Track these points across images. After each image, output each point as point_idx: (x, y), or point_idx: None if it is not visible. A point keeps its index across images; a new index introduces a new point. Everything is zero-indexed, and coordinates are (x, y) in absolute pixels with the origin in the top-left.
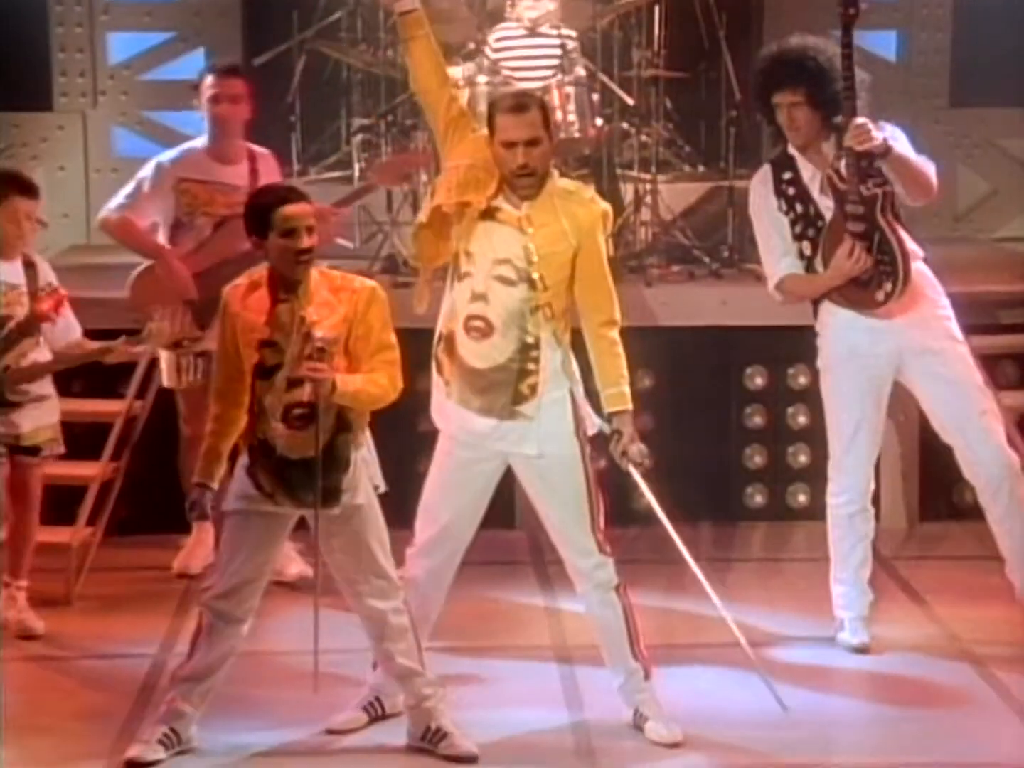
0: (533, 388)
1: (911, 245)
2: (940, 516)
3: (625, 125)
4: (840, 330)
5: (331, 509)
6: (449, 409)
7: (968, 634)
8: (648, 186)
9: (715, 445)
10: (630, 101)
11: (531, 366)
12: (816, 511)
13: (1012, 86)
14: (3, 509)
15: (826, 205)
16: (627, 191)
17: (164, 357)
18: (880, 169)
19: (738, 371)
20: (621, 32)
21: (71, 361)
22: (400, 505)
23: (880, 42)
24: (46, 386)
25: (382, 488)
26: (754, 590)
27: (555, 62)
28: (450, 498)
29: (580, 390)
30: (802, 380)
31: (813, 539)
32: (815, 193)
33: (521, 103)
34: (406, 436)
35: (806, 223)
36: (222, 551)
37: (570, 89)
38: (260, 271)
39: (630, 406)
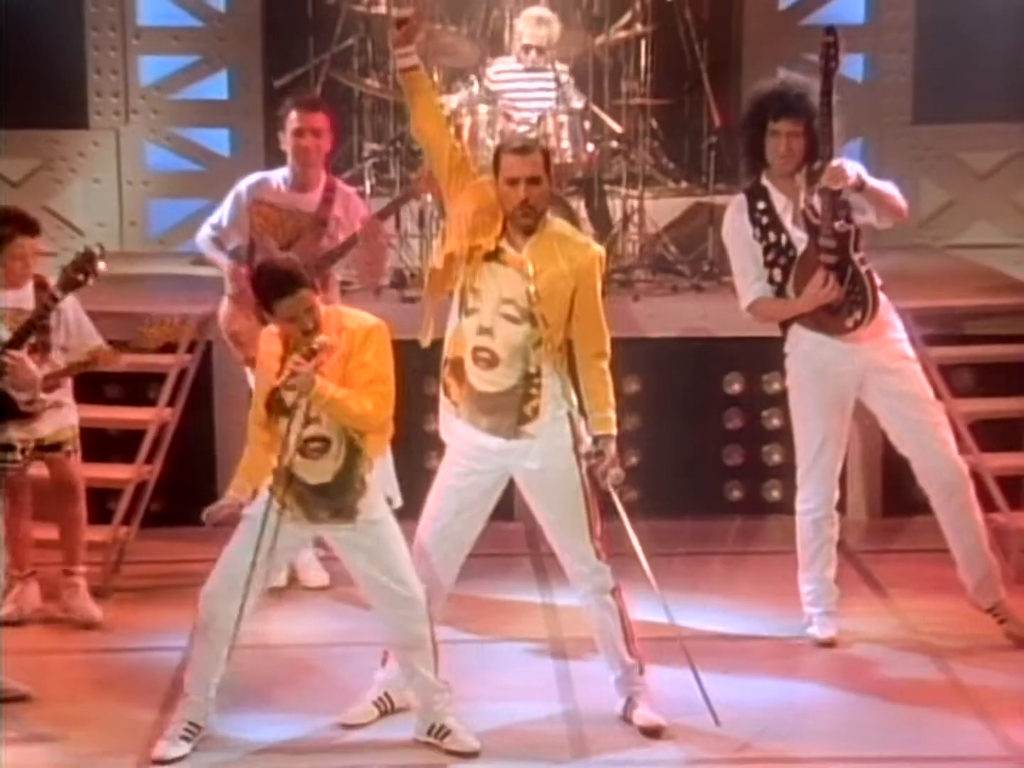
0: (535, 410)
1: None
2: (902, 511)
3: (615, 144)
4: (808, 351)
5: (346, 525)
6: (456, 426)
7: (926, 626)
8: (635, 203)
9: (697, 445)
10: (619, 129)
11: (533, 391)
12: (789, 506)
13: (970, 104)
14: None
15: (797, 236)
16: (615, 207)
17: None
18: (848, 204)
19: (718, 377)
20: (612, 59)
21: (81, 367)
22: (409, 498)
23: (848, 65)
24: (64, 394)
25: (396, 503)
26: (731, 582)
27: (550, 94)
28: (450, 502)
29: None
30: (776, 386)
31: (786, 532)
32: (787, 223)
33: (525, 145)
34: (416, 435)
35: (778, 251)
36: (227, 552)
37: (564, 118)
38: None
39: (614, 431)
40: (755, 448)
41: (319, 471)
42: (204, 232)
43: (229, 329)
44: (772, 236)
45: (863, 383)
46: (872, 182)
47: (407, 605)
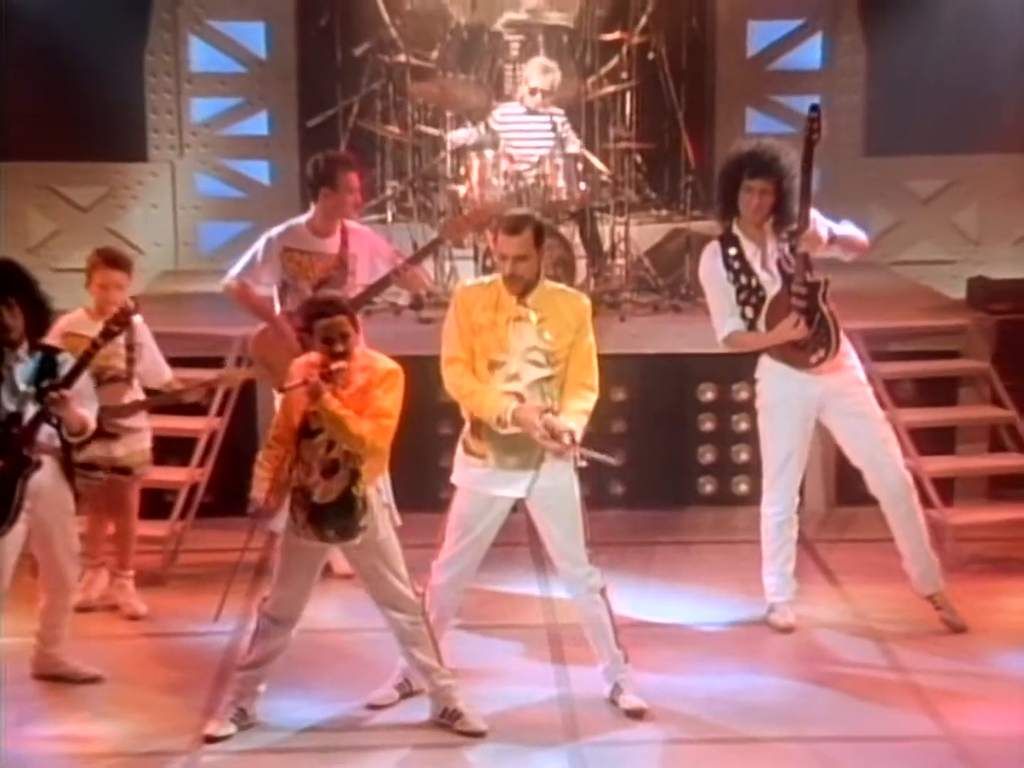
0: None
1: None
2: (854, 501)
3: (605, 176)
4: (776, 379)
5: (351, 542)
6: (473, 477)
7: (873, 612)
8: (621, 230)
9: (675, 445)
10: (606, 172)
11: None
12: (755, 498)
13: (914, 138)
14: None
15: (765, 278)
16: (605, 233)
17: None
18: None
19: (693, 387)
20: (601, 108)
21: (155, 403)
22: (426, 493)
23: (807, 103)
24: (140, 420)
25: (396, 522)
26: (704, 571)
27: (548, 137)
28: (469, 527)
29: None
30: (743, 394)
31: (752, 521)
32: (756, 267)
33: (517, 226)
34: (431, 438)
35: (748, 292)
36: (278, 569)
37: (560, 161)
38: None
39: (577, 429)
40: (725, 448)
41: (328, 489)
42: (230, 276)
43: (263, 358)
44: (743, 279)
45: (823, 406)
46: (840, 231)
47: (407, 609)
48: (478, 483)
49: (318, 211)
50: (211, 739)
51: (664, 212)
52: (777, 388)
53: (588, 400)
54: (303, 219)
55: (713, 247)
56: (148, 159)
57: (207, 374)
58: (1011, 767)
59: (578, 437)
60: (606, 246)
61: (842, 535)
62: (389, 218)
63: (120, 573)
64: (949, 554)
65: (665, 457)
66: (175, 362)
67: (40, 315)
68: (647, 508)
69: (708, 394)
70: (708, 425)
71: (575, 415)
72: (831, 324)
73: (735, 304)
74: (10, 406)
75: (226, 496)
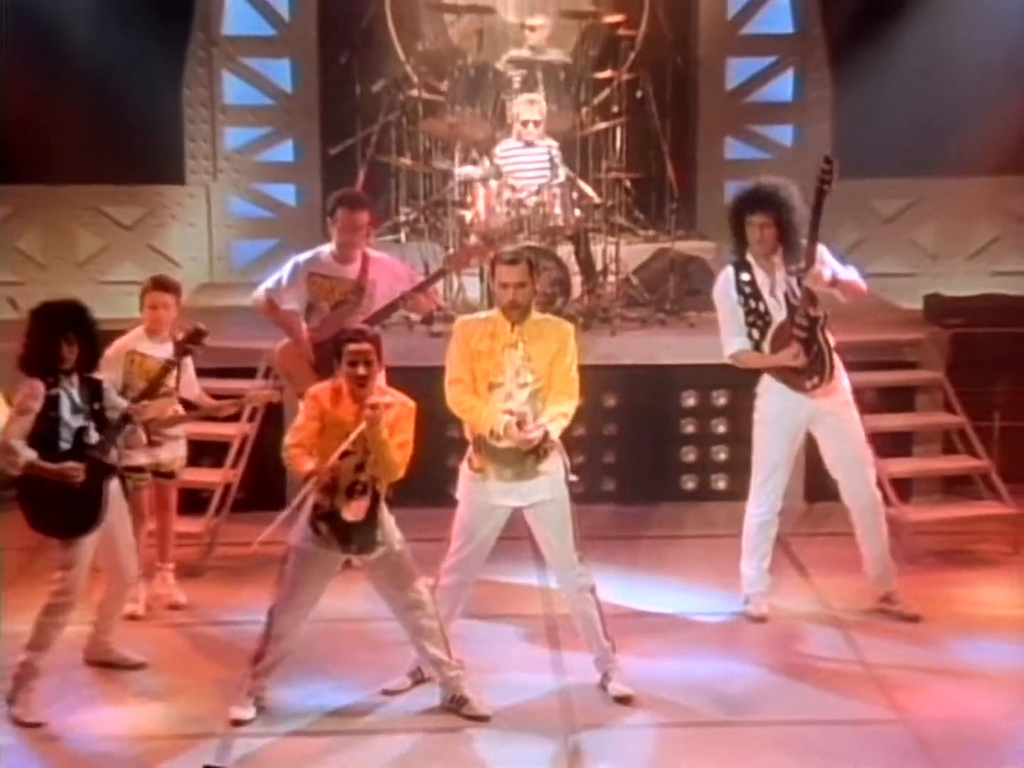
0: (547, 451)
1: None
2: (823, 498)
3: (597, 200)
4: (774, 397)
5: (370, 555)
6: (476, 491)
7: (837, 603)
8: (612, 250)
9: (660, 446)
10: (597, 200)
11: (543, 434)
12: (732, 494)
13: (878, 163)
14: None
15: (773, 304)
16: (597, 253)
17: None
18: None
19: (676, 394)
20: (595, 138)
21: (196, 416)
22: (436, 490)
23: (781, 133)
24: (178, 429)
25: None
26: (686, 564)
27: (544, 168)
28: (473, 534)
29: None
30: (722, 400)
31: (730, 515)
32: (765, 294)
33: (514, 258)
34: (439, 441)
35: (756, 316)
36: (287, 577)
37: (556, 190)
38: (340, 380)
39: (551, 428)
40: (705, 449)
41: (355, 510)
42: (259, 293)
43: (286, 370)
44: (752, 303)
45: (813, 422)
46: (843, 276)
47: (419, 607)
48: (480, 495)
49: (334, 241)
50: (237, 722)
51: (651, 232)
52: (774, 405)
53: (566, 405)
54: (328, 247)
55: (728, 272)
56: (185, 182)
57: (239, 383)
58: (960, 749)
59: (554, 435)
60: (599, 266)
61: (812, 530)
62: (403, 238)
63: (162, 565)
64: (905, 548)
65: (651, 457)
66: (211, 372)
67: (92, 351)
68: (635, 504)
69: (690, 400)
70: (690, 428)
71: (553, 415)
72: (827, 354)
73: (743, 325)
74: (75, 422)
75: (256, 493)
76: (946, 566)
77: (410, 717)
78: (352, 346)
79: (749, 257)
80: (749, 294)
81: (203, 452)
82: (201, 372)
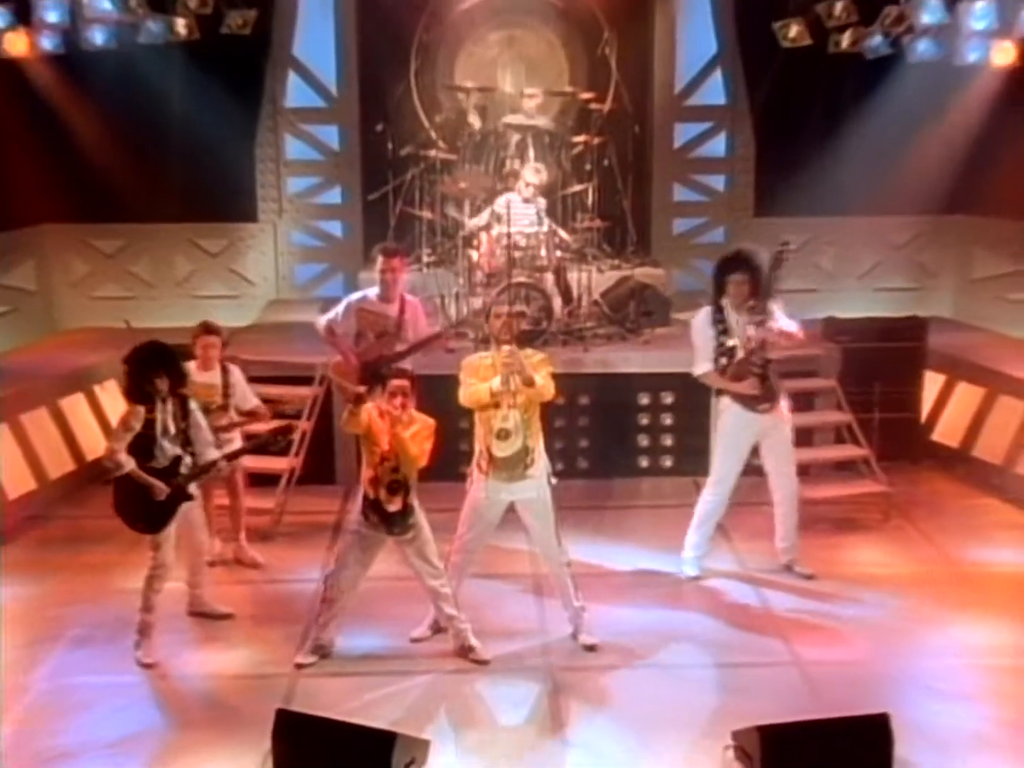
0: (533, 460)
1: None
2: (746, 473)
3: (572, 244)
4: (732, 416)
5: (405, 535)
6: (481, 488)
7: (753, 564)
8: (585, 278)
9: (622, 434)
10: (574, 245)
11: (530, 448)
12: (676, 470)
13: (787, 205)
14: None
15: (737, 343)
16: (573, 280)
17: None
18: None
19: (634, 394)
20: (572, 201)
21: (244, 422)
22: (451, 468)
23: (716, 181)
24: (235, 434)
25: None
26: (639, 530)
27: (534, 219)
28: (476, 522)
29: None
30: (668, 399)
31: (675, 488)
32: (734, 334)
33: (506, 309)
34: (453, 430)
35: (724, 349)
36: (342, 553)
37: (543, 238)
38: (382, 404)
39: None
40: (656, 436)
41: (395, 502)
42: (321, 322)
43: (338, 380)
44: (723, 339)
45: (760, 435)
46: (787, 328)
47: (436, 577)
48: (483, 492)
49: (379, 285)
50: (300, 666)
51: (616, 262)
52: (732, 422)
53: (546, 383)
54: (374, 290)
55: (707, 311)
56: (258, 220)
57: (297, 390)
58: (841, 685)
59: (540, 382)
60: (575, 293)
61: (736, 500)
62: (424, 269)
63: (236, 536)
64: (806, 518)
65: (615, 442)
66: (275, 380)
67: (179, 379)
68: (602, 478)
69: (644, 399)
70: (644, 420)
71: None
72: (775, 386)
73: (712, 353)
74: (172, 449)
75: (312, 472)
76: (835, 532)
77: (430, 660)
78: (395, 382)
79: (724, 302)
80: (722, 331)
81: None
82: (268, 380)
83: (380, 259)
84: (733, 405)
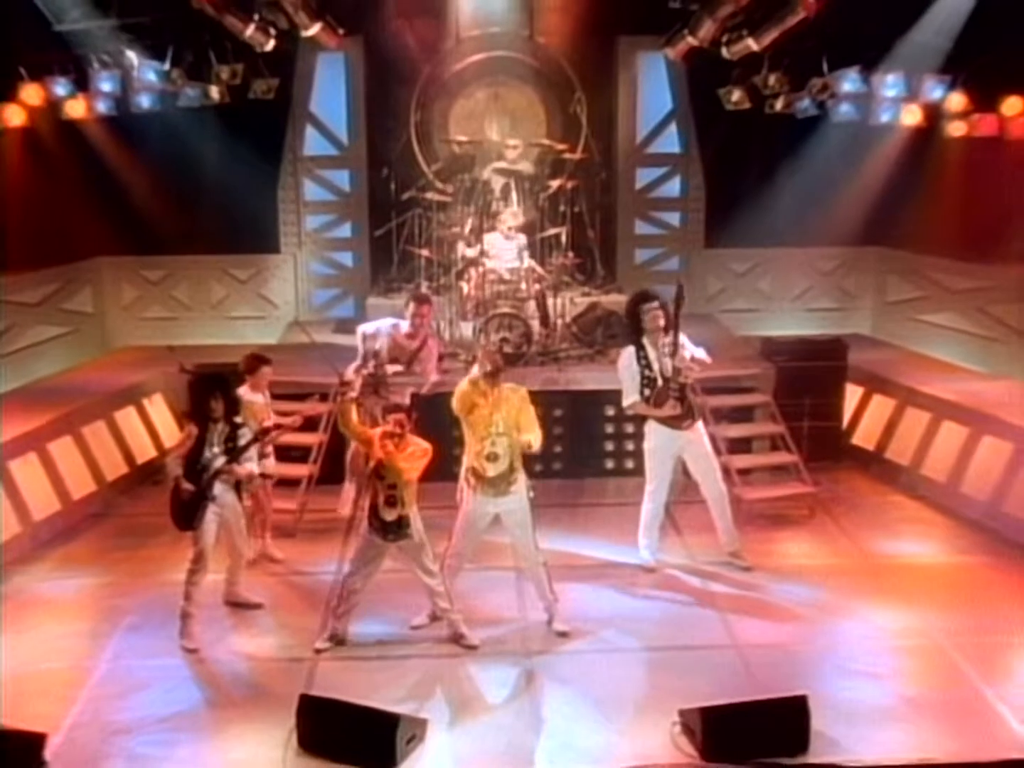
0: (515, 479)
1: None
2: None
3: (548, 279)
4: (658, 435)
5: (400, 542)
6: (471, 499)
7: (701, 556)
8: (559, 304)
9: (590, 441)
10: (548, 279)
11: (514, 467)
12: (636, 471)
13: (733, 237)
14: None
15: (656, 374)
16: (550, 306)
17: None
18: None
19: (601, 407)
20: (551, 241)
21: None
22: (445, 469)
23: (672, 217)
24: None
25: None
26: (604, 526)
27: (516, 254)
28: (468, 532)
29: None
30: (630, 412)
31: (634, 487)
32: (653, 367)
33: (495, 359)
34: (449, 438)
35: (648, 380)
36: (355, 555)
37: (523, 272)
38: (386, 429)
39: (534, 441)
40: (619, 442)
41: (393, 512)
42: (359, 335)
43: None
44: (645, 372)
45: (683, 449)
46: (697, 355)
47: (432, 577)
48: (473, 504)
49: (408, 322)
50: (319, 651)
51: (586, 289)
52: (658, 439)
53: (536, 435)
54: (406, 325)
55: (630, 350)
56: (280, 252)
57: (323, 407)
58: (771, 666)
59: (536, 445)
60: (552, 318)
61: (686, 499)
62: (424, 288)
63: (262, 535)
64: (744, 515)
65: (584, 447)
66: (294, 397)
67: (233, 405)
68: (574, 479)
69: (609, 411)
70: (609, 429)
71: (531, 436)
72: (693, 406)
73: (638, 385)
74: (217, 462)
75: (329, 472)
76: (769, 527)
77: (427, 646)
78: (393, 416)
79: (644, 340)
80: (644, 365)
81: (295, 451)
82: (290, 397)
83: (412, 305)
84: (657, 427)
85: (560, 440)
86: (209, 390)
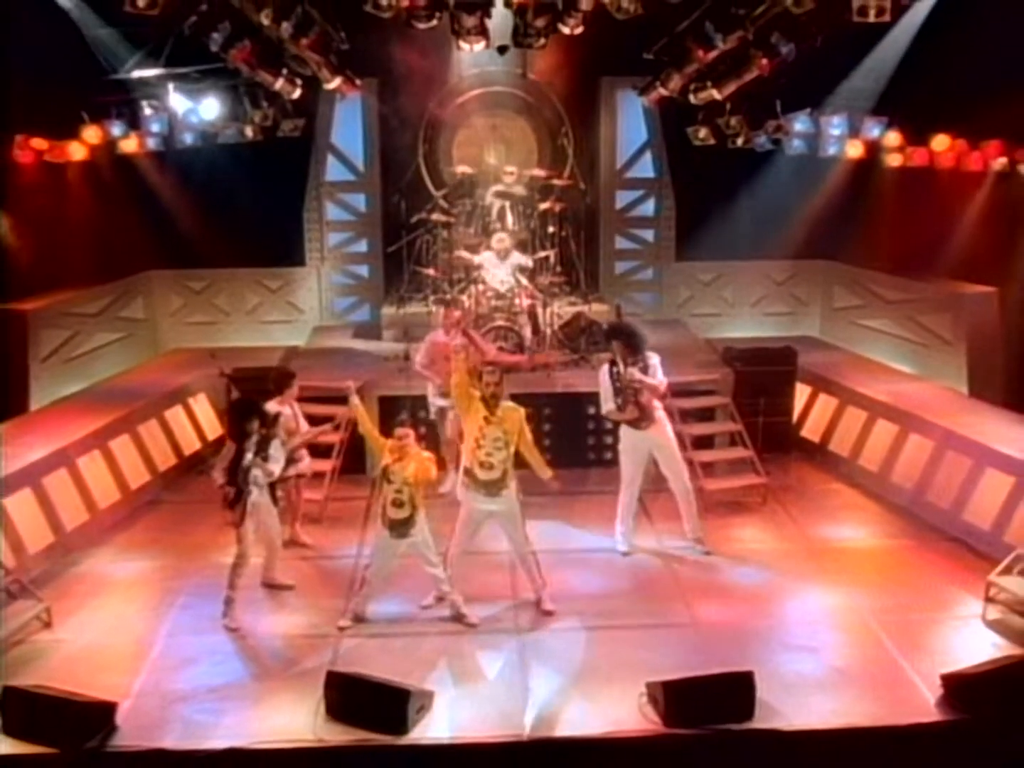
0: (507, 484)
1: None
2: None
3: (539, 295)
4: (629, 436)
5: (405, 539)
6: (469, 497)
7: (668, 542)
8: (548, 311)
9: (576, 435)
10: (539, 296)
11: (507, 474)
12: (615, 462)
13: (700, 251)
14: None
15: (626, 385)
16: (540, 315)
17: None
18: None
19: (585, 406)
20: (542, 262)
21: (305, 443)
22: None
23: (647, 234)
24: (303, 451)
25: None
26: (586, 514)
27: (510, 272)
28: (468, 526)
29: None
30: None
31: (613, 477)
32: (623, 379)
33: (496, 387)
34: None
35: (619, 391)
36: (373, 551)
37: (516, 289)
38: (394, 441)
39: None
40: (600, 436)
41: (400, 512)
42: (417, 362)
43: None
44: (617, 384)
45: (652, 448)
46: (649, 381)
47: (435, 567)
48: (471, 503)
49: (443, 330)
50: (342, 628)
51: (572, 299)
52: (627, 440)
53: (544, 470)
54: (441, 333)
55: (606, 366)
56: (306, 265)
57: (342, 410)
58: (724, 641)
59: (548, 474)
60: (542, 327)
61: (657, 487)
62: (431, 308)
63: (293, 524)
64: (706, 504)
65: (571, 441)
66: (317, 400)
67: (263, 420)
68: (561, 468)
69: (591, 409)
70: (591, 425)
71: (542, 464)
72: (651, 412)
73: (613, 395)
74: (248, 467)
75: (349, 464)
76: (727, 514)
77: (433, 624)
78: (399, 430)
79: (617, 358)
80: (615, 378)
81: (322, 449)
82: (314, 400)
83: (443, 312)
84: (626, 429)
85: (548, 435)
86: (245, 415)
